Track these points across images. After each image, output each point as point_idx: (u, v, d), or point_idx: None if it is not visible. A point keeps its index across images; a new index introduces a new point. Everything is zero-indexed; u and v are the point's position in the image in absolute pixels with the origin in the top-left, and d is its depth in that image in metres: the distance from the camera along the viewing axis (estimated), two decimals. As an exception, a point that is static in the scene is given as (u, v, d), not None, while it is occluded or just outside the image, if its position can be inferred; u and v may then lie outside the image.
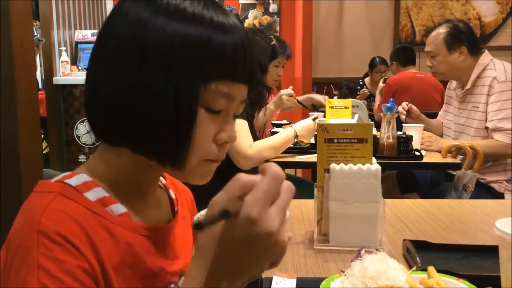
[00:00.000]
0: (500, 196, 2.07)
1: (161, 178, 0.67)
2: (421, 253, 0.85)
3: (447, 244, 0.90)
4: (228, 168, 1.75)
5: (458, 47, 2.17)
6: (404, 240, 0.93)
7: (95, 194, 0.55)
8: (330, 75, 5.53)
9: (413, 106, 2.33)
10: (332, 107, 2.17)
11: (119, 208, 0.56)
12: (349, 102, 2.23)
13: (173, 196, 0.68)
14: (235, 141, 0.60)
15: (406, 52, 4.06)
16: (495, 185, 2.09)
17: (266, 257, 0.47)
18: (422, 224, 1.11)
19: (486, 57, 2.15)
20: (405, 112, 2.32)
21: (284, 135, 1.88)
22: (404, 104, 2.36)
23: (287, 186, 0.46)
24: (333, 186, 0.97)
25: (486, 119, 2.06)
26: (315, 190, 1.01)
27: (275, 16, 5.47)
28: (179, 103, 0.52)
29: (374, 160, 1.00)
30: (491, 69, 2.09)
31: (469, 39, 2.17)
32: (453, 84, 2.35)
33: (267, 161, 1.83)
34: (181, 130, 0.53)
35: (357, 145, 1.00)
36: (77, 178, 0.56)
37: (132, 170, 0.58)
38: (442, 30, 2.22)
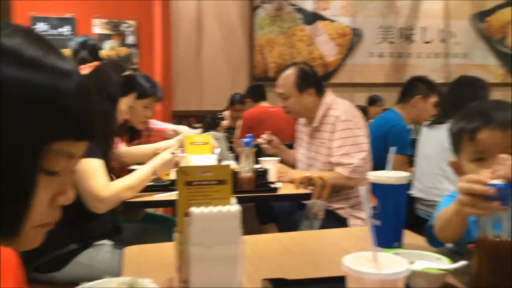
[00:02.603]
0: (345, 221, 2.28)
1: None
2: (279, 290, 0.88)
3: (302, 279, 0.95)
4: (78, 213, 1.63)
5: (307, 89, 2.37)
6: (263, 279, 0.95)
7: None
8: (191, 108, 5.58)
9: (273, 136, 2.48)
10: (192, 143, 2.18)
11: None
12: (209, 137, 2.27)
13: None
14: (72, 201, 0.55)
15: (257, 89, 4.37)
16: (340, 212, 2.30)
17: None
18: (280, 259, 1.16)
19: (329, 96, 2.39)
20: (266, 142, 2.45)
21: (141, 173, 1.82)
22: (264, 135, 2.49)
23: None
24: (193, 230, 0.95)
25: (331, 154, 2.28)
26: (175, 235, 0.99)
27: (133, 48, 5.36)
28: (15, 170, 0.45)
29: (234, 200, 1.02)
30: (334, 109, 2.32)
31: (315, 81, 2.40)
32: (301, 120, 2.55)
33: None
34: (17, 199, 0.46)
35: (217, 187, 1.01)
36: None
37: None
38: (291, 74, 2.40)
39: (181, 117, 4.89)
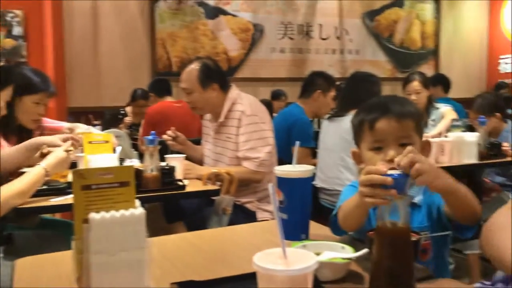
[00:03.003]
0: (254, 214, 2.31)
1: None
2: (189, 294, 0.85)
3: (212, 280, 0.93)
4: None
5: (210, 84, 2.35)
6: (171, 283, 0.91)
7: None
8: (89, 104, 5.28)
9: (178, 132, 2.42)
10: (91, 142, 2.05)
11: None
12: (109, 136, 2.15)
13: None
14: None
15: (161, 83, 4.22)
16: (248, 205, 2.32)
17: None
18: (189, 260, 1.13)
19: (234, 91, 2.39)
20: (171, 139, 2.39)
21: (31, 175, 1.65)
22: (169, 132, 2.42)
23: None
24: (94, 238, 0.89)
25: (237, 149, 2.28)
26: (73, 243, 0.91)
27: (21, 40, 4.91)
28: None
29: (137, 203, 0.96)
30: (239, 104, 2.33)
31: (219, 76, 2.38)
32: (207, 116, 2.53)
33: None
34: None
35: (119, 190, 0.95)
36: None
37: None
38: (194, 69, 2.36)
39: (78, 114, 4.59)
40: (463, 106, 4.28)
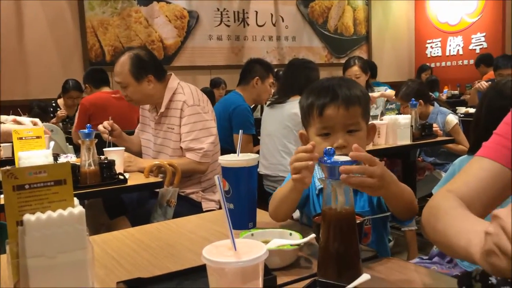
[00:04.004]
0: (199, 204, 2.28)
1: None
2: (136, 292, 0.82)
3: (160, 276, 0.90)
4: None
5: (145, 76, 2.27)
6: (117, 282, 0.88)
7: None
8: (15, 97, 4.97)
9: (115, 124, 2.33)
10: (21, 138, 1.92)
11: None
12: (41, 130, 2.03)
13: None
14: None
15: (97, 74, 4.02)
16: (193, 196, 2.30)
17: None
18: (135, 256, 1.09)
19: (174, 81, 2.33)
20: (107, 131, 2.29)
21: None
22: (105, 123, 2.32)
23: None
24: (29, 241, 0.83)
25: (180, 140, 2.24)
26: (7, 248, 0.85)
27: None
28: None
29: (76, 201, 0.91)
30: (180, 93, 2.27)
31: (153, 67, 2.30)
32: (146, 105, 2.45)
33: None
34: None
35: (54, 188, 0.89)
36: None
37: None
38: (126, 62, 2.26)
39: (4, 109, 4.30)
40: (395, 89, 4.47)
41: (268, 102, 2.94)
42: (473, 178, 0.90)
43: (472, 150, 1.76)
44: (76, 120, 3.71)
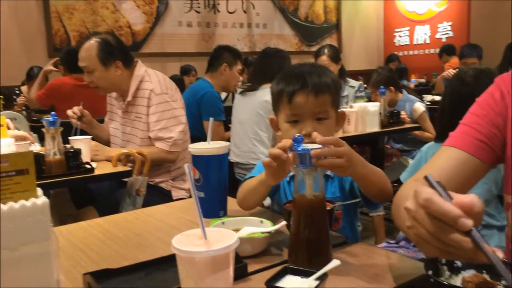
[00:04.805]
0: (169, 193, 2.26)
1: None
2: (103, 283, 0.81)
3: (128, 266, 0.88)
4: None
5: (113, 62, 2.21)
6: (84, 274, 0.86)
7: None
8: (-24, 84, 4.75)
9: (85, 110, 2.27)
10: (-20, 127, 1.84)
11: None
12: (2, 118, 1.95)
13: None
14: None
15: (75, 57, 3.84)
16: (163, 185, 2.27)
17: None
18: (102, 247, 1.06)
19: (140, 68, 2.28)
20: (76, 117, 2.23)
21: None
22: (75, 108, 2.26)
23: None
24: (-9, 234, 0.80)
25: (148, 129, 2.20)
26: (-33, 242, 0.81)
27: None
28: None
29: (39, 191, 0.88)
30: (147, 82, 2.22)
31: (121, 52, 2.24)
32: (114, 93, 2.39)
33: None
34: None
35: (16, 178, 0.86)
36: None
37: None
38: (93, 46, 2.19)
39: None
40: (365, 77, 4.52)
41: (239, 90, 2.92)
42: (441, 167, 0.92)
43: (439, 137, 1.80)
44: (40, 89, 3.56)
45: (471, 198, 0.60)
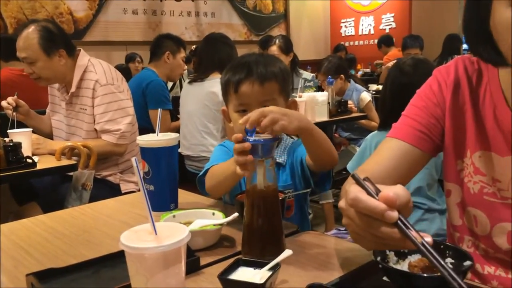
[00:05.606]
0: (117, 187, 2.19)
1: None
2: (47, 284, 0.77)
3: (74, 264, 0.85)
4: None
5: (56, 50, 2.10)
6: (27, 275, 0.81)
7: None
8: None
9: (21, 100, 2.15)
10: None
11: None
12: None
13: None
14: None
15: (10, 44, 3.59)
16: (111, 178, 2.20)
17: None
18: (47, 246, 1.02)
19: (83, 57, 2.18)
20: (11, 108, 2.11)
21: None
22: (9, 99, 2.13)
23: None
24: None
25: (94, 121, 2.11)
26: None
27: None
28: None
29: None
30: (91, 72, 2.13)
31: (63, 40, 2.14)
32: (56, 84, 2.28)
33: None
34: None
35: None
36: None
37: None
38: (33, 34, 2.07)
39: None
40: (313, 67, 4.58)
41: (187, 80, 2.87)
42: (384, 157, 0.95)
43: (381, 126, 1.86)
44: None
45: (395, 191, 0.63)
